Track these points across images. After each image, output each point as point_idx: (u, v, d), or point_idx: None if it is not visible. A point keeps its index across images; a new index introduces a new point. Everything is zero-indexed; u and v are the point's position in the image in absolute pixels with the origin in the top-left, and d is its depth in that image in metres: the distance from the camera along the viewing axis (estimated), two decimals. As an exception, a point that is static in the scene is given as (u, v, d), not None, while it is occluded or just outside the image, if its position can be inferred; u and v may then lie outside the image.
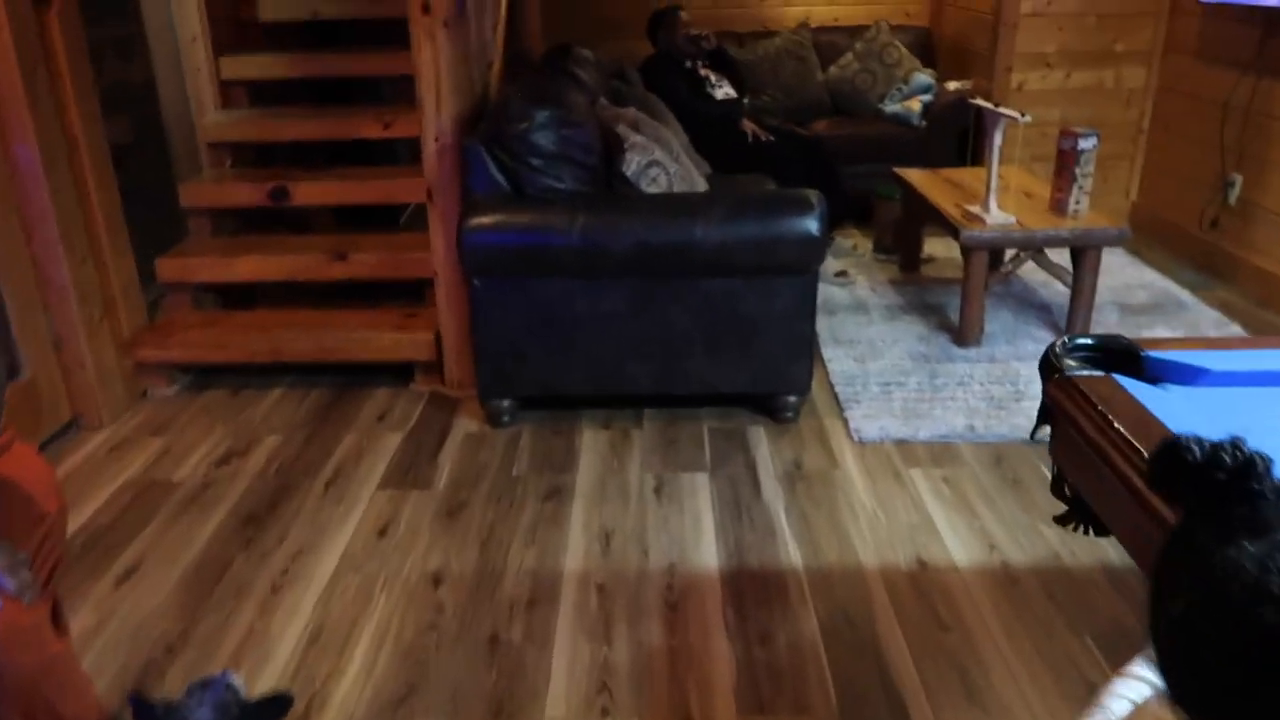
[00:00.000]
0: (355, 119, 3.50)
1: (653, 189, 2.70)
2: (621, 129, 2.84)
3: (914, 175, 3.89)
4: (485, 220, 2.58)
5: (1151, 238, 4.40)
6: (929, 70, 4.93)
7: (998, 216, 3.14)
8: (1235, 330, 3.34)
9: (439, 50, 2.66)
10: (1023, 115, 2.95)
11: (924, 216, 3.94)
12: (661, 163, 2.73)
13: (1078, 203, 3.19)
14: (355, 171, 3.50)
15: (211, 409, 3.06)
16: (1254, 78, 3.69)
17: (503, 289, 2.66)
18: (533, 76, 3.01)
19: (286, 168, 3.61)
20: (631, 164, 2.68)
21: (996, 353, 3.20)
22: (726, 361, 2.71)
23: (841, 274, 3.97)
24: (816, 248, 2.55)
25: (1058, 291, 3.75)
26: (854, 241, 4.46)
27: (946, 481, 2.48)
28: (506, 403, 2.83)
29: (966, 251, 3.14)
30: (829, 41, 5.21)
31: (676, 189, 2.75)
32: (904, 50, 5.03)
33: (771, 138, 4.17)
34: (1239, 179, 3.80)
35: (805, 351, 2.71)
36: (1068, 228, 3.11)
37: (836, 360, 3.17)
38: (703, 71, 4.45)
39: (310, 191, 3.35)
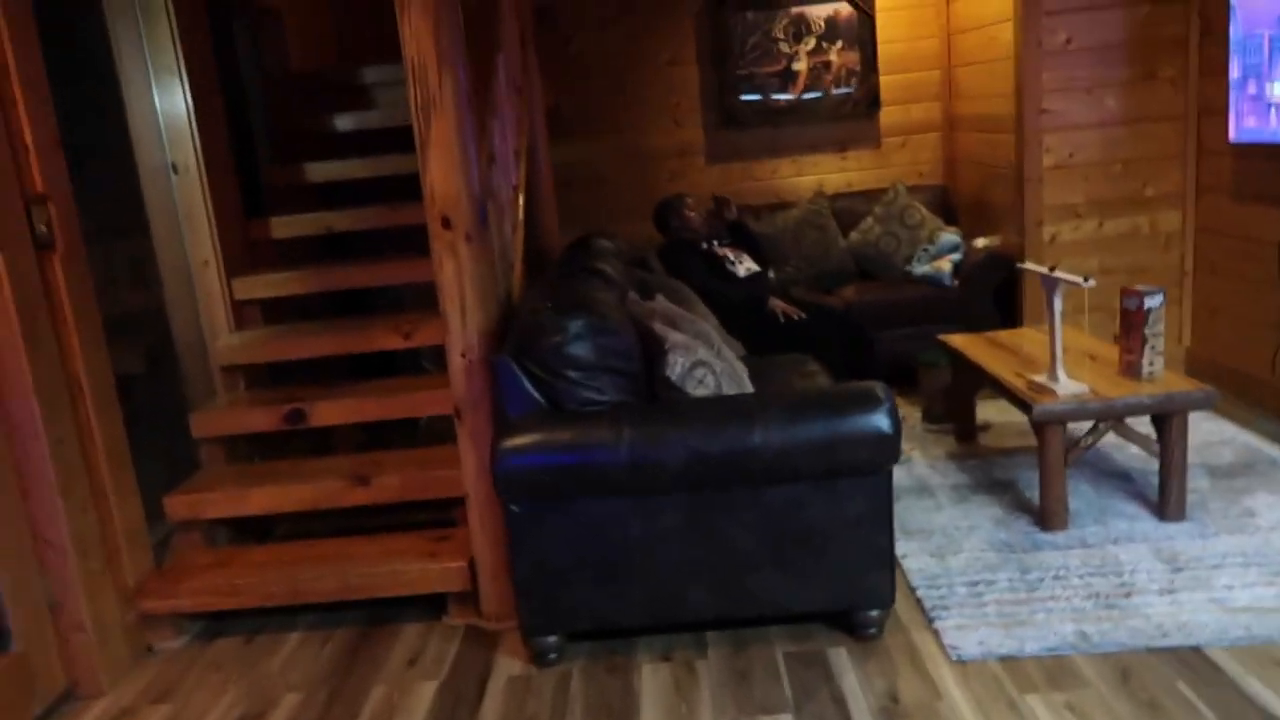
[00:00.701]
0: (374, 330, 3.34)
1: (700, 391, 2.49)
2: (659, 328, 2.65)
3: (960, 341, 3.69)
4: (522, 441, 2.35)
5: (1217, 385, 4.14)
6: (954, 228, 4.83)
7: (1069, 386, 2.90)
8: (1345, 488, 3.04)
9: (462, 265, 2.51)
10: (1086, 279, 2.77)
11: (975, 383, 3.72)
12: (707, 362, 2.53)
13: (1152, 364, 2.96)
14: (376, 386, 3.32)
15: (223, 663, 2.75)
16: (1306, 217, 3.53)
17: (544, 513, 2.40)
18: (559, 280, 2.86)
19: (303, 386, 3.43)
20: (676, 367, 2.48)
21: (1088, 536, 2.89)
22: (797, 577, 2.41)
23: (896, 451, 3.70)
24: (890, 446, 2.30)
25: (1133, 455, 3.47)
26: (901, 413, 4.21)
27: (1072, 710, 2.12)
28: (553, 639, 2.52)
29: (1040, 427, 2.89)
30: (847, 208, 5.15)
31: (725, 389, 2.53)
32: (924, 210, 4.95)
33: (802, 315, 4.00)
34: (1307, 320, 3.58)
35: (885, 560, 2.41)
36: (1147, 393, 2.86)
37: (912, 556, 2.87)
38: (720, 251, 4.35)
39: (329, 411, 3.16)
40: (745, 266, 4.28)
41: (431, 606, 2.92)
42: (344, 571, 2.81)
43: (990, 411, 4.08)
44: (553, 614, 2.47)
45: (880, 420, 2.29)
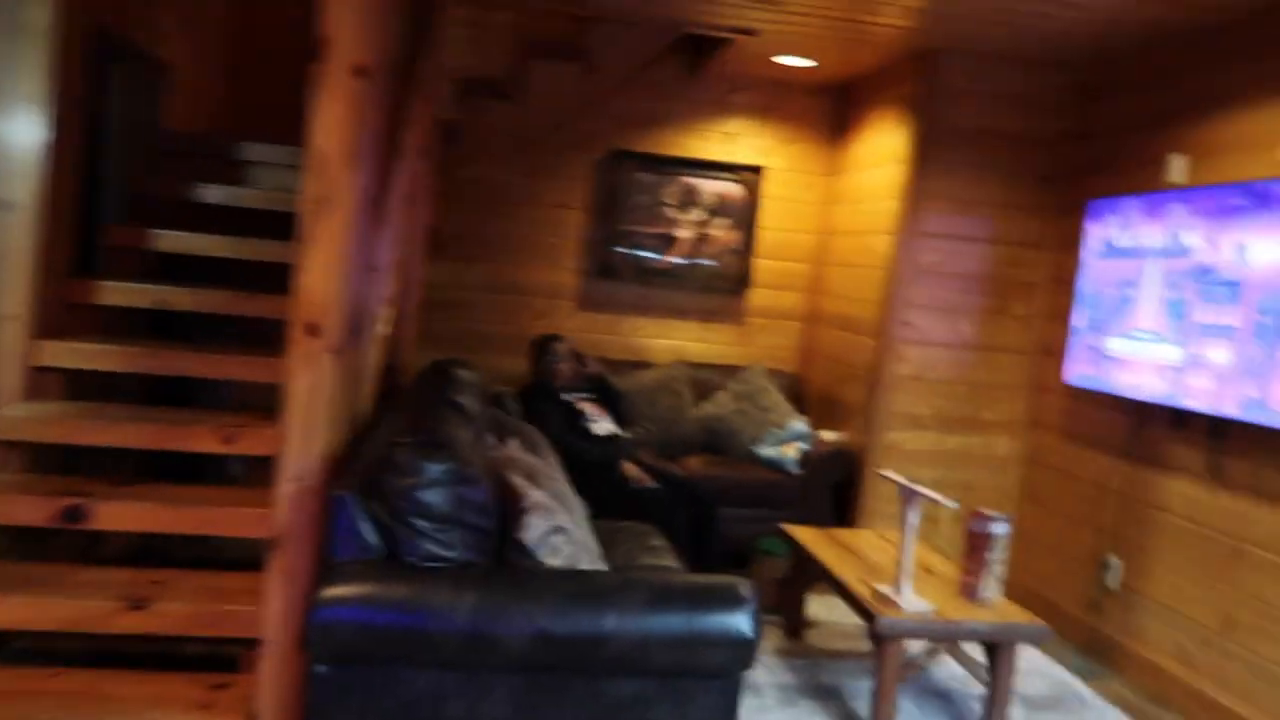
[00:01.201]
0: (191, 428, 2.97)
1: (553, 560, 2.29)
2: (517, 481, 2.46)
3: (804, 534, 3.66)
4: (348, 592, 2.06)
5: (1029, 610, 4.28)
6: (803, 418, 4.92)
7: (914, 603, 2.89)
8: (1148, 738, 3.12)
9: (320, 380, 2.25)
10: (948, 500, 2.79)
11: (811, 579, 3.68)
12: (565, 529, 2.34)
13: (990, 590, 3.00)
14: (175, 492, 2.92)
15: (-91, 812, 2.21)
16: (1128, 464, 3.77)
17: (355, 679, 2.09)
18: (417, 411, 2.63)
19: (89, 479, 2.98)
20: (533, 530, 2.28)
21: (916, 761, 2.82)
22: (628, 784, 2.19)
23: (729, 640, 3.57)
24: (747, 651, 2.16)
25: (952, 675, 3.48)
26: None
27: None
28: (337, 827, 2.16)
29: (881, 641, 2.84)
30: (704, 378, 5.18)
31: (579, 560, 2.34)
32: (777, 394, 5.04)
33: (654, 483, 3.90)
34: (1118, 563, 3.77)
35: (723, 774, 2.23)
36: (986, 620, 2.88)
37: (740, 764, 2.69)
38: (580, 405, 4.23)
39: (115, 515, 2.72)
40: (603, 425, 4.17)
41: (193, 764, 2.48)
42: (94, 716, 2.35)
43: (819, 608, 4.04)
44: (343, 798, 2.12)
45: (742, 622, 2.16)
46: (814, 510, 4.55)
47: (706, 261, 5.33)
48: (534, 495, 2.39)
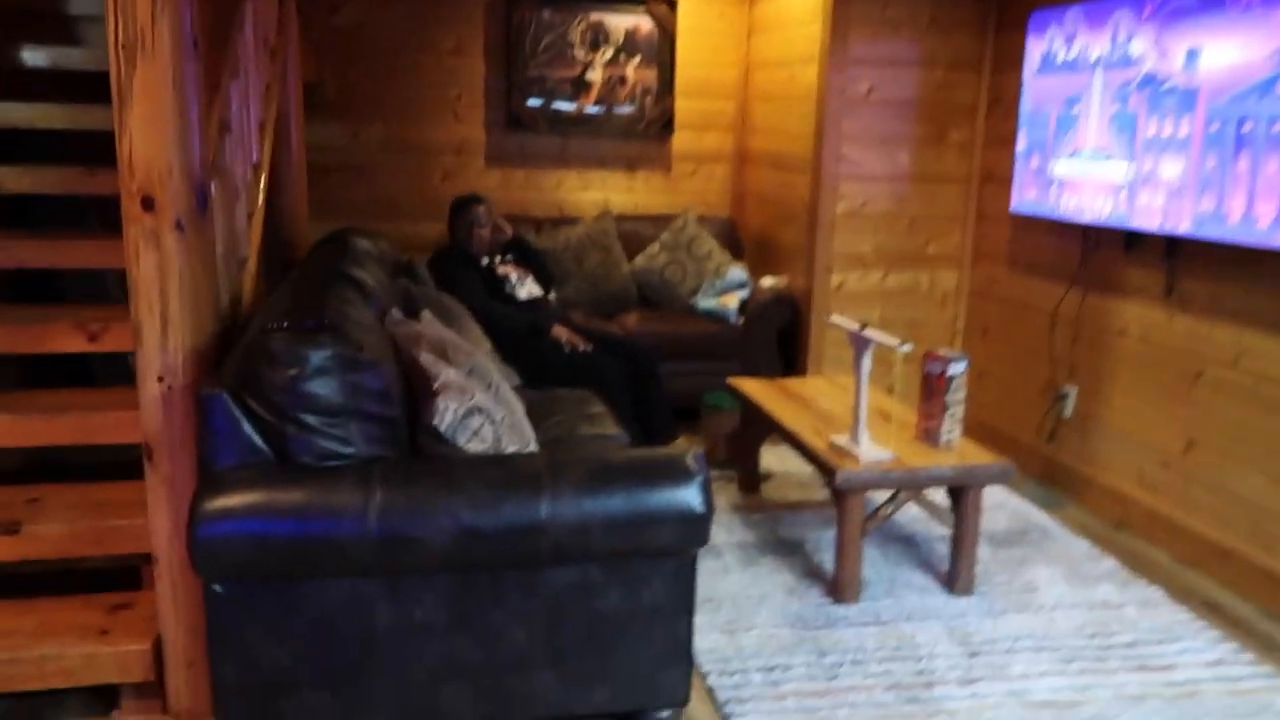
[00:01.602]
0: (52, 326, 2.58)
1: (474, 446, 2.02)
2: (426, 359, 2.16)
3: (752, 387, 3.46)
4: (234, 502, 1.78)
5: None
6: (741, 264, 4.66)
7: (872, 452, 2.71)
8: (1110, 565, 3.05)
9: (167, 261, 1.89)
10: (901, 344, 2.57)
11: (763, 432, 3.50)
12: (484, 409, 2.07)
13: (950, 433, 2.83)
14: (49, 400, 2.56)
15: None
16: (1080, 291, 3.60)
17: (258, 597, 1.84)
18: (303, 289, 2.29)
19: (-59, 393, 2.60)
20: (446, 414, 1.99)
21: (882, 611, 2.70)
22: (580, 676, 2.00)
23: (679, 504, 3.40)
24: (699, 527, 1.95)
25: (915, 518, 3.37)
26: (683, 458, 3.93)
27: (886, 840, 1.86)
28: (260, 755, 1.94)
29: (841, 495, 2.67)
30: (633, 230, 4.85)
31: (505, 443, 2.08)
32: (714, 242, 4.74)
33: (589, 346, 3.62)
34: (1073, 391, 3.66)
35: (683, 655, 2.05)
36: (949, 464, 2.72)
37: (700, 631, 2.54)
38: (501, 270, 3.88)
39: (-28, 431, 2.38)
40: (526, 289, 3.85)
41: (97, 694, 2.23)
42: (-32, 657, 2.07)
43: (772, 459, 3.89)
44: (263, 725, 1.90)
45: (691, 496, 1.94)
46: (759, 360, 4.35)
47: (625, 106, 4.90)
48: (446, 374, 2.09)
